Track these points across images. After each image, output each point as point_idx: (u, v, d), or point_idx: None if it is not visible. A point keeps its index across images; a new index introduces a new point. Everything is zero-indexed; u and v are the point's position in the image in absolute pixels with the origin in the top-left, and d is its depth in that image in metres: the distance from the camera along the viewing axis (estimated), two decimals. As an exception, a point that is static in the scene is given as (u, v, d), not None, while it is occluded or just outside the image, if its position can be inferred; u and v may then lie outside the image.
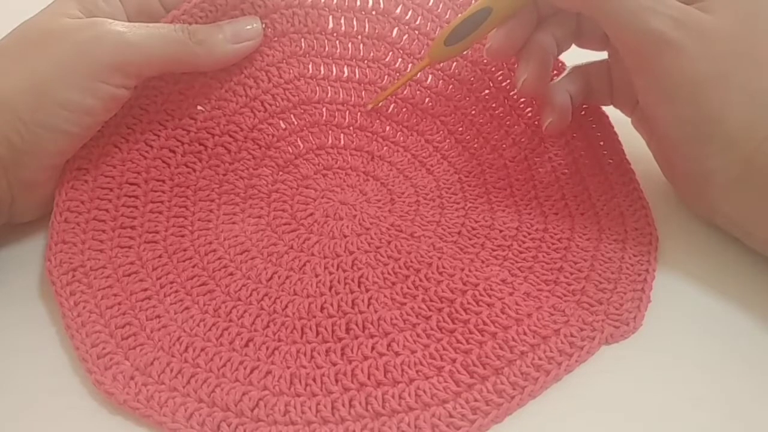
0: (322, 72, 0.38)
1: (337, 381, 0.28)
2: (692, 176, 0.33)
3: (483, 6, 0.35)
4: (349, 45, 0.39)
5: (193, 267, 0.32)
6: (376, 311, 0.31)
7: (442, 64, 0.39)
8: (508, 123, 0.39)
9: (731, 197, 0.32)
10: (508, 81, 0.39)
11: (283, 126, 0.37)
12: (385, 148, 0.38)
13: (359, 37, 0.39)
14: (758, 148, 0.30)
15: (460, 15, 0.36)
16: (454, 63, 0.39)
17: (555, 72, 0.38)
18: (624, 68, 0.35)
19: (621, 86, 0.37)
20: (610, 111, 0.39)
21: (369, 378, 0.28)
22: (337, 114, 0.38)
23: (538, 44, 0.35)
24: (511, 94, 0.39)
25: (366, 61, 0.39)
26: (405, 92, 0.39)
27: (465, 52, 0.38)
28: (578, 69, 0.38)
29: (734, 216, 0.33)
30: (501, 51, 0.36)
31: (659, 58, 0.31)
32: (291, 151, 0.37)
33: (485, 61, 0.39)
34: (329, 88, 0.38)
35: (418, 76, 0.39)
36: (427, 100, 0.39)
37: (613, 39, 0.33)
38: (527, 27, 0.35)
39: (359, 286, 0.32)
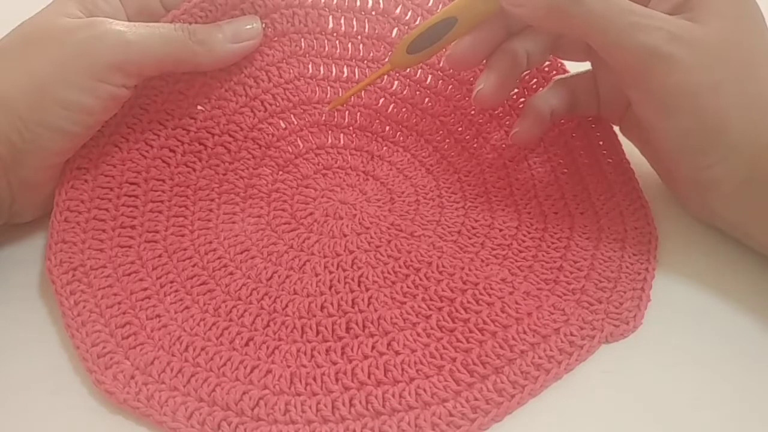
0: (322, 72, 0.38)
1: (337, 380, 0.28)
2: (694, 185, 0.33)
3: (448, 15, 0.34)
4: (349, 45, 0.39)
5: (193, 266, 0.32)
6: (376, 310, 0.31)
7: (441, 64, 0.39)
8: (507, 123, 0.39)
9: (735, 204, 0.32)
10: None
11: (283, 126, 0.37)
12: (384, 147, 0.38)
13: (359, 37, 0.39)
14: (761, 154, 0.30)
15: (423, 22, 0.35)
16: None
17: (535, 82, 0.39)
18: (610, 78, 0.34)
19: (608, 97, 0.36)
20: (610, 111, 0.39)
21: (369, 377, 0.28)
22: (336, 114, 0.38)
23: (503, 55, 0.34)
24: (511, 94, 0.39)
25: (366, 62, 0.39)
26: (405, 92, 0.39)
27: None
28: (562, 81, 0.37)
29: (737, 221, 0.33)
30: (461, 61, 0.35)
31: (654, 73, 0.30)
32: (291, 150, 0.37)
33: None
34: (329, 88, 0.38)
35: (417, 75, 0.39)
36: (426, 100, 0.39)
37: (605, 57, 0.32)
38: (493, 39, 0.34)
39: (359, 285, 0.32)
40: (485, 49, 0.35)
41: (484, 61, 0.35)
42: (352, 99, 0.38)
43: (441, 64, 0.39)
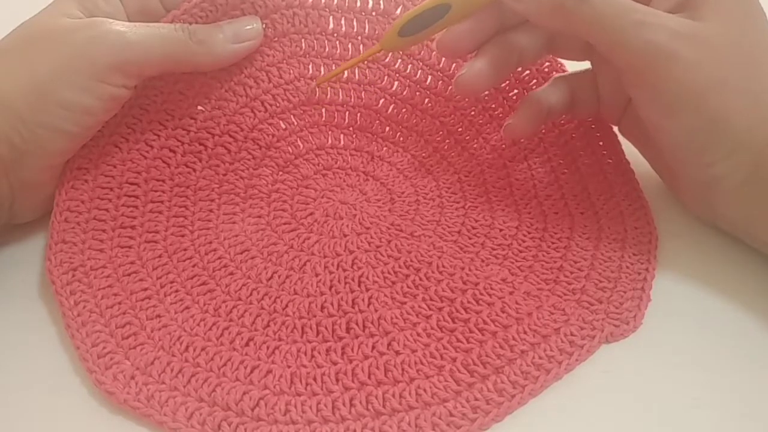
0: (323, 73, 0.38)
1: (337, 380, 0.28)
2: (697, 184, 0.33)
3: (442, 1, 0.33)
4: (349, 46, 0.39)
5: (194, 267, 0.32)
6: (376, 310, 0.31)
7: (441, 64, 0.39)
8: (507, 123, 0.39)
9: (737, 202, 0.32)
10: (507, 81, 0.39)
11: (283, 126, 0.37)
12: (384, 148, 0.38)
13: (359, 38, 0.39)
14: (764, 150, 0.30)
15: (417, 6, 0.34)
16: (454, 64, 0.39)
17: (534, 82, 0.39)
18: (610, 78, 0.34)
19: (608, 96, 0.36)
20: (610, 111, 0.39)
21: (369, 377, 0.28)
22: (336, 115, 0.38)
23: (494, 45, 0.34)
24: (510, 94, 0.39)
25: (365, 62, 0.39)
26: (405, 93, 0.39)
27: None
28: (562, 78, 0.37)
29: (740, 219, 0.32)
30: (450, 47, 0.34)
31: (657, 71, 0.30)
32: (291, 151, 0.37)
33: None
34: (329, 89, 0.38)
35: (418, 76, 0.39)
36: (426, 100, 0.39)
37: (608, 56, 0.32)
38: (485, 30, 0.34)
39: (359, 285, 0.32)
40: (476, 39, 0.34)
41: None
42: (352, 100, 0.39)
43: (441, 65, 0.39)
